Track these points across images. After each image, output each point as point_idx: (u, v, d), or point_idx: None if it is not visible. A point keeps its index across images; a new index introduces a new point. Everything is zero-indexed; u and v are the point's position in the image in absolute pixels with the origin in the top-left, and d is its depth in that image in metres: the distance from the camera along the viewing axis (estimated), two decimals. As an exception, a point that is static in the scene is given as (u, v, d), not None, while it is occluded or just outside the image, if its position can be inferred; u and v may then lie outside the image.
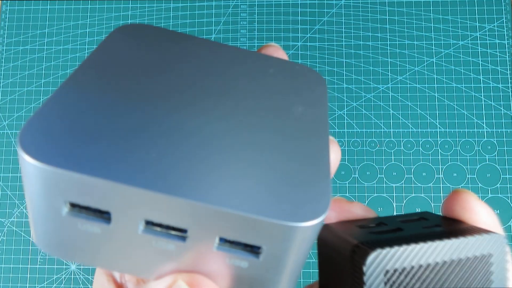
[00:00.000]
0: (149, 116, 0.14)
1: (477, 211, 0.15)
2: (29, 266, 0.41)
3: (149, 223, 0.12)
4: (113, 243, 0.13)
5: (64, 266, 0.41)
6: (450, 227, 0.15)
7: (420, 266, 0.13)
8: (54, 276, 0.41)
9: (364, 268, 0.13)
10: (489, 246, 0.14)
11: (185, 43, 0.17)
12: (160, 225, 0.12)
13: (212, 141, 0.13)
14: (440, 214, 0.17)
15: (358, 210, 0.17)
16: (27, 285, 0.41)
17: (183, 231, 0.12)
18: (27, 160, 0.11)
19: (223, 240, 0.13)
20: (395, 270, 0.13)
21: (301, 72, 0.18)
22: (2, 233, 0.42)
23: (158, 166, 0.12)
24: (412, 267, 0.13)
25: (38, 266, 0.41)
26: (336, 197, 0.17)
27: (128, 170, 0.12)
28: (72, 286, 0.41)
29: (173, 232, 0.12)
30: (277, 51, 0.19)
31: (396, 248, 0.13)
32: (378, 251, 0.13)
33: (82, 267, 0.41)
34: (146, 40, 0.17)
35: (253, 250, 0.13)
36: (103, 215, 0.12)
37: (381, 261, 0.13)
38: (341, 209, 0.17)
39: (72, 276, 0.41)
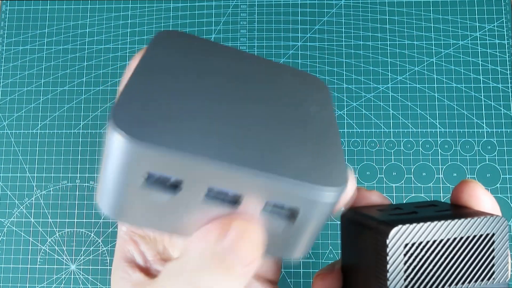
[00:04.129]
0: (210, 106, 0.16)
1: (482, 198, 0.18)
2: (29, 266, 0.41)
3: (211, 191, 0.15)
4: (177, 210, 0.15)
5: (64, 266, 0.41)
6: (458, 211, 0.17)
7: (434, 242, 0.16)
8: (54, 276, 0.41)
9: (387, 241, 0.15)
10: (491, 226, 0.16)
11: (218, 52, 0.20)
12: (219, 193, 0.15)
13: (263, 129, 0.16)
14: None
15: (376, 198, 0.20)
16: (27, 285, 0.41)
17: (238, 196, 0.15)
18: (119, 136, 0.13)
19: (268, 205, 0.15)
20: (413, 244, 0.15)
21: (309, 80, 0.21)
22: (2, 233, 0.42)
23: (222, 142, 0.15)
24: (427, 242, 0.16)
25: (38, 266, 0.41)
26: (357, 186, 0.20)
27: (197, 145, 0.14)
28: (72, 286, 0.41)
29: (228, 199, 0.15)
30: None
31: (414, 225, 0.15)
32: (399, 226, 0.15)
33: (82, 267, 0.41)
34: (186, 49, 0.19)
35: (292, 214, 0.15)
36: (174, 186, 0.14)
37: (401, 236, 0.15)
38: (361, 196, 0.19)
39: (72, 276, 0.41)
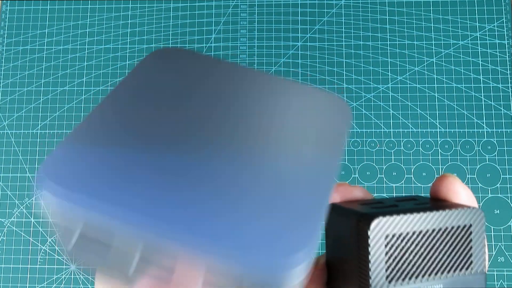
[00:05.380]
0: (153, 157, 0.15)
1: (460, 191, 0.18)
2: (29, 266, 0.41)
3: (140, 258, 0.13)
4: (116, 262, 0.14)
5: (64, 266, 0.41)
6: (437, 204, 0.18)
7: (414, 233, 0.16)
8: (54, 276, 0.41)
9: (369, 232, 0.15)
10: (469, 218, 0.17)
11: (212, 71, 0.18)
12: (151, 262, 0.13)
13: (214, 178, 0.14)
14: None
15: (358, 193, 0.20)
16: (27, 285, 0.41)
17: (170, 268, 0.13)
18: (45, 193, 0.13)
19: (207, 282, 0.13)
20: (394, 235, 0.16)
21: (326, 101, 0.19)
22: (2, 233, 0.42)
23: (150, 205, 0.13)
24: (408, 233, 0.16)
25: (38, 266, 0.41)
26: (340, 182, 0.20)
27: (118, 208, 0.13)
28: (72, 286, 0.41)
29: (162, 269, 0.13)
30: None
31: (394, 216, 0.16)
32: (380, 218, 0.16)
33: (82, 267, 0.41)
34: (175, 69, 0.18)
35: None
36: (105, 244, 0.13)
37: (382, 227, 0.16)
38: (345, 192, 0.20)
39: (72, 276, 0.41)
